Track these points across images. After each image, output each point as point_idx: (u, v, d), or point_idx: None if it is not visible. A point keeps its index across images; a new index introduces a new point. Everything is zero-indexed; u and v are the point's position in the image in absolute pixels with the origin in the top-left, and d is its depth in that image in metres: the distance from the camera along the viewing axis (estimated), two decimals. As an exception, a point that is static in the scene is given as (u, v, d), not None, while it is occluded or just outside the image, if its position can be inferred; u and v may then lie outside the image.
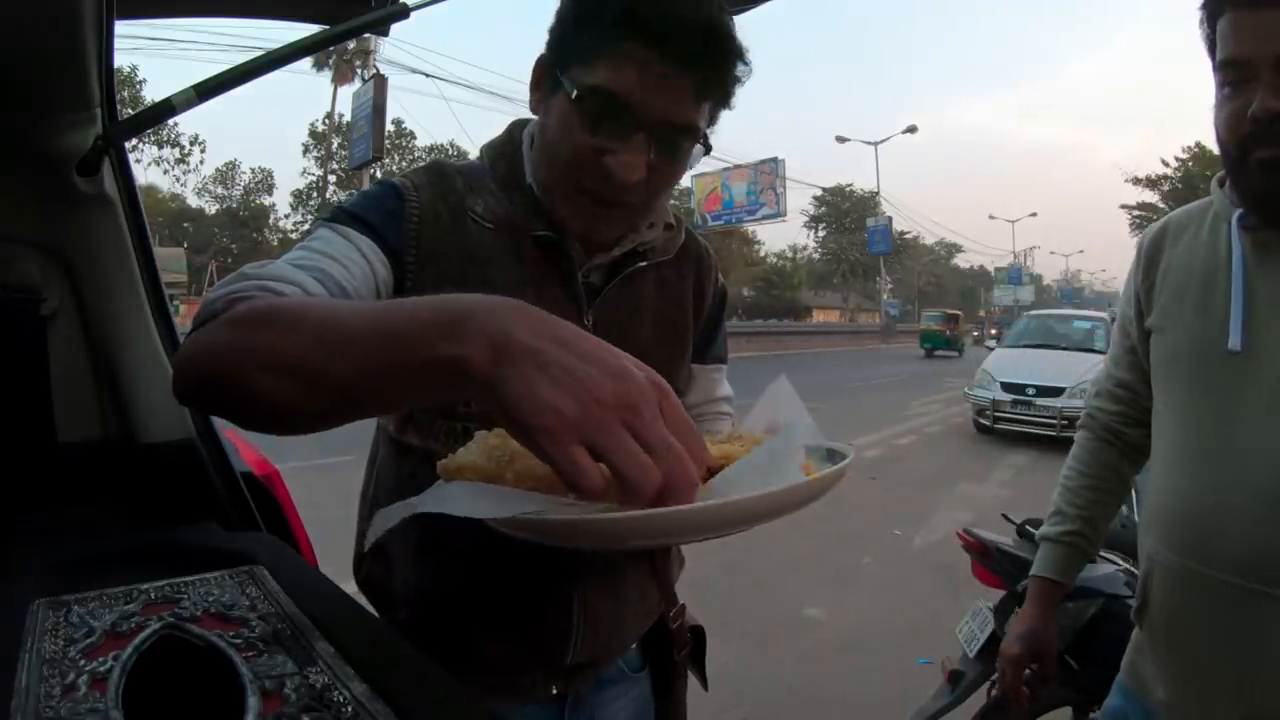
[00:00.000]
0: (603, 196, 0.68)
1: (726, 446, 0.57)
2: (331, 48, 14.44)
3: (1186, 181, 21.44)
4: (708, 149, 0.71)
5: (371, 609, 0.78)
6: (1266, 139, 0.78)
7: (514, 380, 0.37)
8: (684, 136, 0.67)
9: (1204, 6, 0.83)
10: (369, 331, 0.42)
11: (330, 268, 0.63)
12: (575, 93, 0.65)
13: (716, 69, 0.66)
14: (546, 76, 0.71)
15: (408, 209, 0.71)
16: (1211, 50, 0.83)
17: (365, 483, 0.82)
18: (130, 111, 0.87)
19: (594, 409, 0.37)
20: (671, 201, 0.84)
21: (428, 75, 20.02)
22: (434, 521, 0.72)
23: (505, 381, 0.38)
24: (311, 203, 29.70)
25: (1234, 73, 0.80)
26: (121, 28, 0.80)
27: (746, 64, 0.68)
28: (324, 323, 0.45)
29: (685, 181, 23.52)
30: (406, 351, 0.40)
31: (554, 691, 0.79)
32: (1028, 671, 1.11)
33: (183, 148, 28.77)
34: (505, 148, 0.78)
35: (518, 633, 0.76)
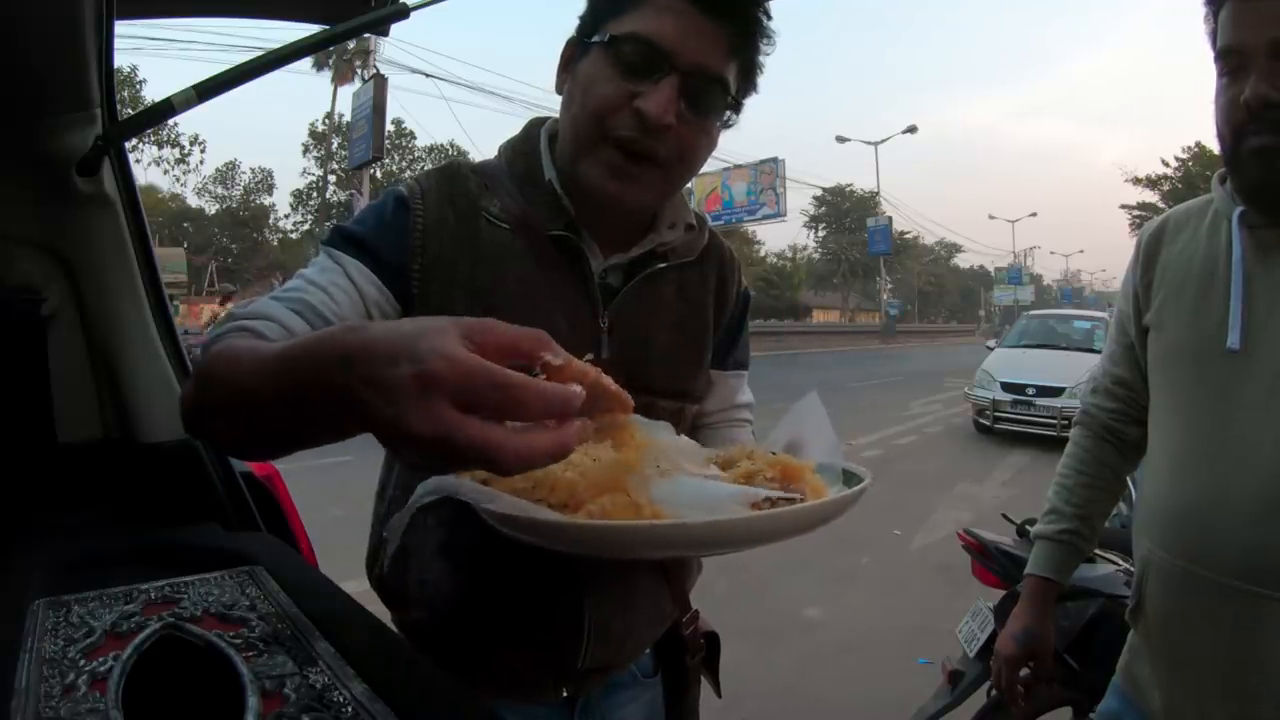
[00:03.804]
0: (632, 145, 0.67)
1: (746, 466, 0.57)
2: (331, 48, 14.45)
3: (1186, 181, 21.40)
4: (737, 109, 0.72)
5: (380, 606, 0.78)
6: (1259, 127, 0.78)
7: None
8: (714, 88, 0.68)
9: (1208, 1, 0.84)
10: (271, 354, 0.46)
11: (313, 297, 0.65)
12: (608, 38, 0.67)
13: (748, 22, 0.68)
14: (576, 50, 0.72)
15: (411, 219, 0.71)
16: (1214, 43, 0.83)
17: (382, 480, 0.82)
18: (130, 111, 0.87)
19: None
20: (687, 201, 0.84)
21: (428, 75, 19.98)
22: (447, 522, 0.73)
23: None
24: (311, 203, 29.63)
25: (1231, 61, 0.80)
26: (121, 28, 0.80)
27: (771, 39, 0.70)
28: (244, 365, 0.49)
29: (685, 181, 23.43)
30: (292, 383, 0.42)
31: (564, 694, 0.79)
32: (1024, 671, 1.11)
33: (183, 148, 28.69)
34: (523, 146, 0.78)
35: (528, 636, 0.75)
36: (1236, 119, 0.80)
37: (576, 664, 0.76)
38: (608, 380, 0.43)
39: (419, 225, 0.71)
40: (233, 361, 0.50)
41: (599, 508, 0.49)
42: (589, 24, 0.71)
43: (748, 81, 0.72)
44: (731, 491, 0.51)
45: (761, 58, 0.72)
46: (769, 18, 0.70)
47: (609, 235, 0.76)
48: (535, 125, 0.80)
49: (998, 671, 1.12)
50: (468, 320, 0.38)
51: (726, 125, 0.74)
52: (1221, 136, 0.84)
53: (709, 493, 0.51)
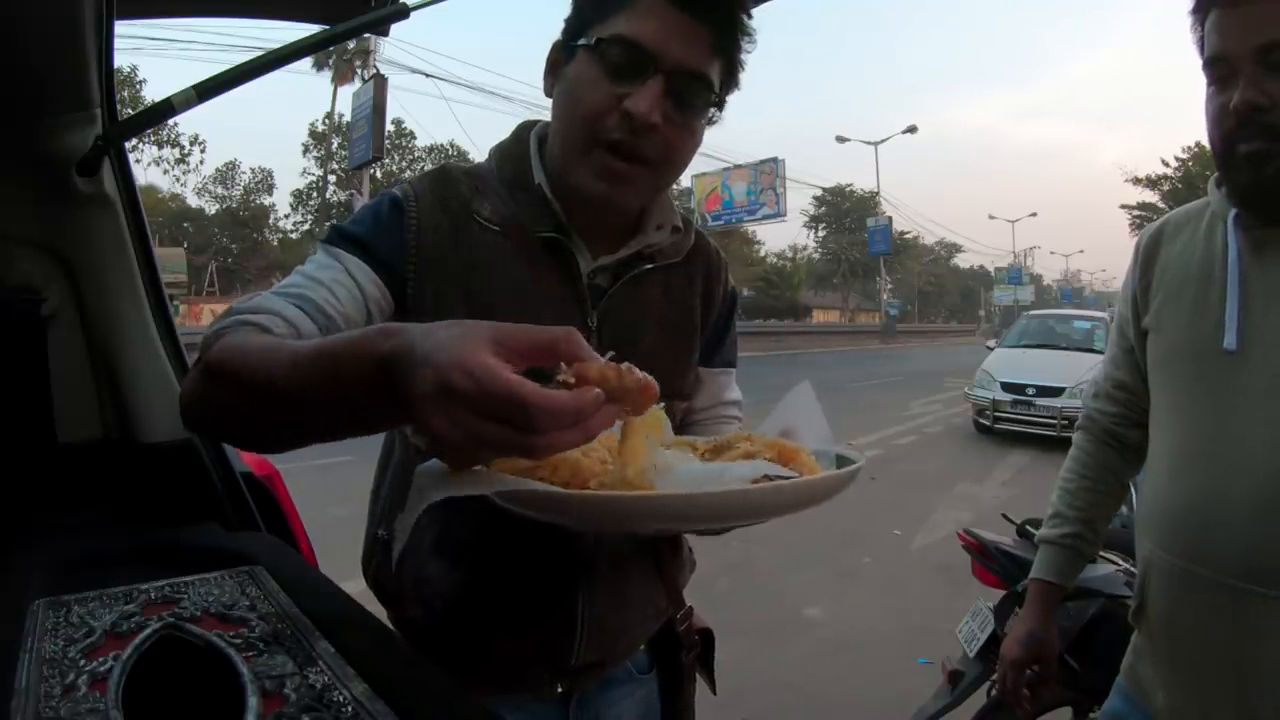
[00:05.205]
0: (621, 147, 0.68)
1: (745, 447, 0.57)
2: (331, 48, 14.46)
3: (1186, 181, 21.37)
4: (720, 105, 0.73)
5: (379, 606, 0.78)
6: (1249, 132, 0.79)
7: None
8: (699, 86, 0.69)
9: (1194, 10, 0.84)
10: (305, 353, 0.48)
11: (314, 293, 0.65)
12: (595, 41, 0.67)
13: (730, 21, 0.69)
14: (562, 53, 0.73)
15: (405, 220, 0.72)
16: (1202, 51, 0.84)
17: (377, 481, 0.82)
18: (130, 111, 0.87)
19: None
20: (674, 203, 0.84)
21: (428, 75, 20.00)
22: (441, 519, 0.73)
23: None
24: (311, 203, 29.60)
25: (1219, 69, 0.81)
26: (121, 28, 0.80)
27: (751, 37, 0.71)
28: (267, 360, 0.51)
29: (685, 181, 23.50)
30: (335, 365, 0.45)
31: (559, 690, 0.80)
32: (1028, 674, 1.11)
33: (183, 148, 28.62)
34: (513, 150, 0.79)
35: (523, 631, 0.76)
36: (1226, 125, 0.81)
37: (571, 659, 0.77)
38: (633, 376, 0.44)
39: (413, 226, 0.72)
40: (246, 356, 0.52)
41: (600, 484, 0.50)
42: (574, 28, 0.71)
43: (731, 79, 0.73)
44: (734, 468, 0.52)
45: (743, 55, 0.72)
46: (749, 15, 0.71)
47: (597, 237, 0.77)
48: (525, 129, 0.80)
49: (1003, 675, 1.12)
50: (502, 326, 0.42)
51: (711, 122, 0.74)
52: (1213, 142, 0.85)
53: (711, 469, 0.52)
